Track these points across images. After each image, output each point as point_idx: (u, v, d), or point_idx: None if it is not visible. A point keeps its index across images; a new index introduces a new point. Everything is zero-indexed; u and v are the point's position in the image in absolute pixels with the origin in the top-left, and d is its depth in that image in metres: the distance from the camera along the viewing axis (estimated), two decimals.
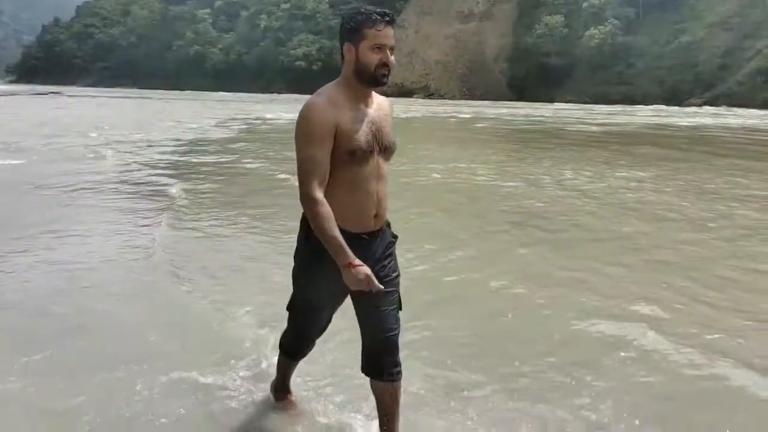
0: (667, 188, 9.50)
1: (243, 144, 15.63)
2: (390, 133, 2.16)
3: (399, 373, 2.27)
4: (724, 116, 36.84)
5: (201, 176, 10.03)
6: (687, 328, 3.81)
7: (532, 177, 10.67)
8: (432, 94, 77.82)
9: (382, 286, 2.03)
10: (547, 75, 69.92)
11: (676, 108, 50.67)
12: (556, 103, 58.58)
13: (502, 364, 3.25)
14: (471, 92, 75.42)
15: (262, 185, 9.32)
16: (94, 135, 16.47)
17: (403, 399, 2.35)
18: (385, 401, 2.28)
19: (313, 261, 2.15)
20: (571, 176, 10.74)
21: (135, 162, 11.49)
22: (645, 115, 38.29)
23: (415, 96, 77.68)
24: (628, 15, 66.45)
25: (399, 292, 2.28)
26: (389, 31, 2.02)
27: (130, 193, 8.28)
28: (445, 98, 73.15)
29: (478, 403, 2.81)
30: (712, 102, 54.74)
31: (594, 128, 25.09)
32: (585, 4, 68.21)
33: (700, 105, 54.14)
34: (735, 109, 47.60)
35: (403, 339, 2.33)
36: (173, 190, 8.21)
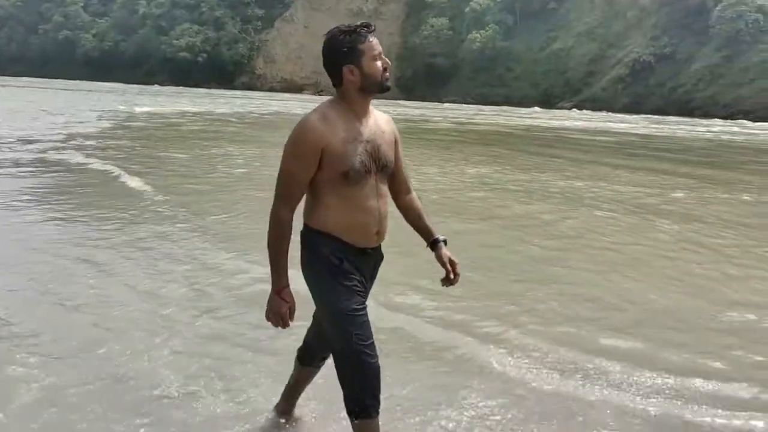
0: (506, 183, 10.14)
1: (102, 140, 14.59)
2: (388, 151, 2.16)
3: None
4: (586, 119, 39.96)
5: (20, 173, 9.21)
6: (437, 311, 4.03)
7: None
8: (322, 91, 77.50)
9: (290, 325, 2.15)
10: (434, 75, 72.26)
11: (552, 111, 54.19)
12: (442, 104, 60.61)
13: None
14: None
15: (79, 180, 8.79)
16: None
17: None
18: (305, 382, 2.56)
19: (334, 263, 2.11)
20: (427, 173, 11.13)
21: None
22: (519, 116, 40.63)
23: (305, 92, 77.10)
24: (506, 21, 70.21)
25: None
26: (376, 39, 2.09)
27: None
28: (324, 95, 73.25)
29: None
30: (580, 106, 59.31)
31: (474, 127, 26.25)
32: (467, 9, 71.14)
33: (569, 108, 58.47)
34: (598, 112, 51.85)
35: None
36: None
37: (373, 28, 2.09)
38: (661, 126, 34.80)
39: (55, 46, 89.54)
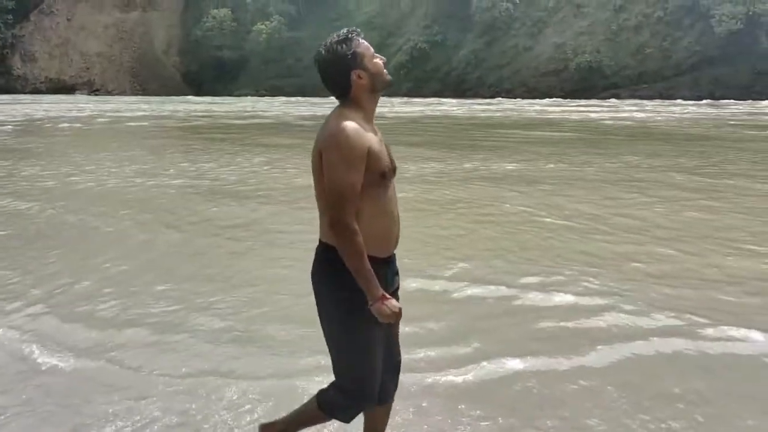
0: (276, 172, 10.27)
1: None
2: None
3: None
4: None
5: None
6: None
7: (154, 170, 10.40)
8: (97, 90, 70.45)
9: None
10: (222, 69, 69.96)
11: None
12: (232, 97, 59.01)
13: None
14: (143, 87, 70.69)
15: None
16: None
17: None
18: (381, 417, 2.34)
19: (360, 296, 1.98)
20: (190, 167, 10.79)
21: None
22: (303, 106, 41.27)
23: (78, 93, 69.28)
24: (290, 11, 70.52)
25: None
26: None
27: None
28: (114, 94, 67.02)
29: None
30: None
31: (259, 120, 25.99)
32: (249, 0, 69.94)
33: None
34: (386, 98, 54.93)
35: None
36: None
37: (359, 30, 2.10)
38: (435, 106, 38.07)
39: None
